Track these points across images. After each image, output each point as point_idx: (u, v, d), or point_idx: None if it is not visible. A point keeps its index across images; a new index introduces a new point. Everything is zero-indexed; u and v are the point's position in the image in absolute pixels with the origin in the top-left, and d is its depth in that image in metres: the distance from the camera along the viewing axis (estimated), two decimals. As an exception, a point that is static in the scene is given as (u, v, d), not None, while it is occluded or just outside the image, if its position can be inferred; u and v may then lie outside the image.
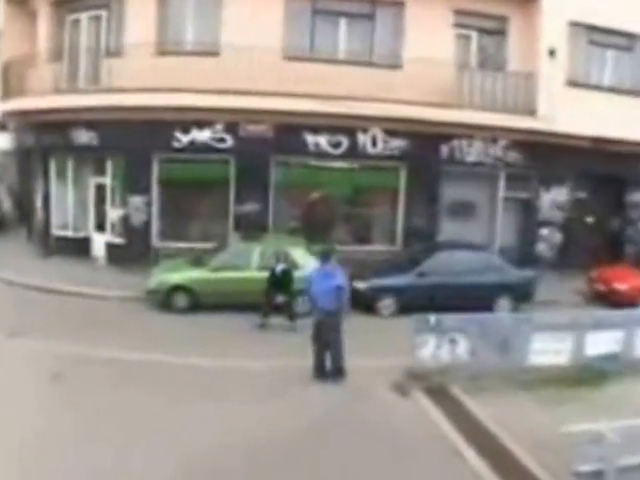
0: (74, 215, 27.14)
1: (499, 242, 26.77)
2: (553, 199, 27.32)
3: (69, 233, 27.05)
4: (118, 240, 25.91)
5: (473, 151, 26.21)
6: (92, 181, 26.65)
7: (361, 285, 20.83)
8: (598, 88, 26.60)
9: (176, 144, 24.67)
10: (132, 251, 25.02)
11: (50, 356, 15.49)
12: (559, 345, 15.43)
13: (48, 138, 26.37)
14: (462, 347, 15.04)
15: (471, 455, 11.61)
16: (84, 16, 25.76)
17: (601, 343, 15.64)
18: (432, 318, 14.89)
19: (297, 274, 19.61)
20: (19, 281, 22.66)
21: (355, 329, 15.86)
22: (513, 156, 26.53)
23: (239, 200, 25.24)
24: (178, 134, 24.58)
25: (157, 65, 23.14)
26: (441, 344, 14.94)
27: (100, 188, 26.48)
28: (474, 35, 26.42)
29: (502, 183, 27.06)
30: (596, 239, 28.01)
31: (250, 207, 25.11)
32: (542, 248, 27.37)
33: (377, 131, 25.31)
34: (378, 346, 16.07)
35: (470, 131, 25.58)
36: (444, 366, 14.96)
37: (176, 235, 25.40)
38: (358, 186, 26.41)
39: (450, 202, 26.77)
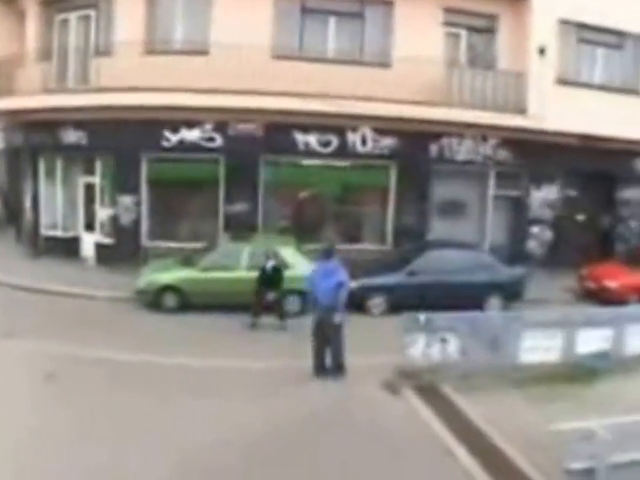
0: (63, 215, 27.06)
1: (489, 240, 26.77)
2: (543, 197, 27.33)
3: (58, 233, 26.94)
4: (107, 240, 25.84)
5: (463, 149, 26.21)
6: (81, 181, 26.54)
7: (351, 284, 20.75)
8: (588, 86, 26.62)
9: (165, 143, 24.60)
10: (121, 251, 24.97)
11: (42, 356, 15.45)
12: (550, 343, 15.45)
13: (37, 138, 26.23)
14: (452, 346, 15.03)
15: (462, 454, 11.57)
16: (73, 16, 25.68)
17: (591, 341, 15.68)
18: (422, 317, 14.86)
19: (287, 273, 19.63)
20: (7, 281, 22.52)
21: (346, 328, 15.80)
22: (503, 154, 26.54)
23: (229, 200, 25.19)
24: (167, 133, 24.51)
25: (146, 64, 23.05)
26: (431, 343, 14.92)
27: (89, 188, 26.38)
28: (464, 33, 26.41)
29: (492, 181, 27.05)
30: (586, 237, 28.05)
31: (240, 206, 25.07)
32: (532, 246, 27.40)
33: (367, 130, 25.28)
34: (368, 345, 16.04)
35: (460, 129, 25.57)
36: (434, 365, 14.95)
37: (165, 235, 25.34)
38: (348, 185, 26.39)
39: (440, 201, 26.76)
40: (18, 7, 28.02)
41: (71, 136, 25.30)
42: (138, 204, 25.17)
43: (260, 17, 24.04)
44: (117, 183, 25.45)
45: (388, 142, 25.45)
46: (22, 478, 10.27)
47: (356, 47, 25.40)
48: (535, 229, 27.40)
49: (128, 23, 24.17)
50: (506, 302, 21.57)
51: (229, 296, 20.09)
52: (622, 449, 8.93)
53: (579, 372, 14.99)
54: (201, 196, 25.71)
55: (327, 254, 15.79)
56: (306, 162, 25.78)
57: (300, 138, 24.96)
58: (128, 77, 22.64)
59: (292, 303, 20.23)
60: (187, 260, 21.55)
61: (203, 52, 23.48)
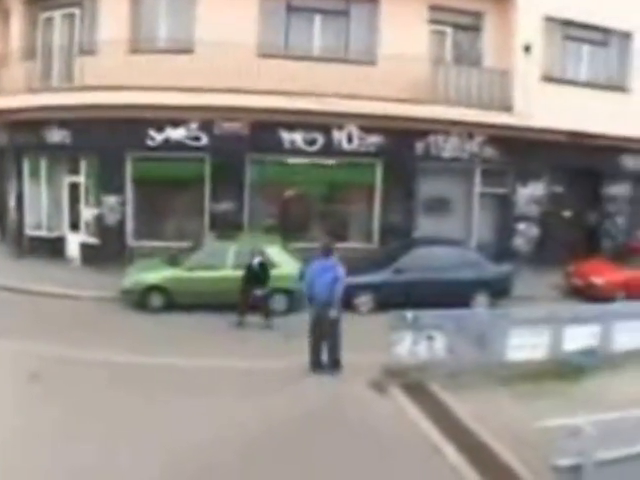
0: (48, 215, 26.91)
1: (476, 238, 26.76)
2: (529, 194, 27.36)
3: (43, 233, 26.78)
4: (92, 240, 25.69)
5: (449, 147, 26.20)
6: (66, 180, 26.39)
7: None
8: (574, 83, 26.69)
9: (150, 142, 24.49)
10: (107, 251, 24.86)
11: (27, 357, 15.30)
12: (537, 340, 15.46)
13: (21, 137, 26.12)
14: (439, 343, 15.02)
15: (450, 451, 11.56)
16: (57, 14, 25.55)
17: (578, 337, 15.68)
18: (409, 315, 14.84)
19: (273, 272, 19.69)
20: (-8, 282, 22.40)
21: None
22: (489, 151, 26.55)
23: (214, 198, 25.12)
24: (152, 132, 24.40)
25: (131, 63, 22.94)
26: (418, 341, 14.91)
27: (74, 187, 26.24)
28: (449, 31, 26.43)
29: (478, 178, 27.07)
30: (573, 233, 28.11)
31: (225, 205, 25.00)
32: (519, 243, 27.43)
33: (352, 128, 25.23)
34: (356, 343, 15.91)
35: (446, 127, 25.57)
36: (421, 363, 14.93)
37: (151, 234, 25.22)
38: (334, 183, 26.37)
39: (426, 198, 26.73)
40: (2, 6, 27.77)
41: (55, 135, 25.16)
42: (123, 204, 25.06)
43: (245, 15, 23.96)
44: (102, 182, 25.31)
45: (374, 140, 25.42)
46: (6, 478, 10.16)
47: (342, 45, 25.37)
48: (521, 226, 27.42)
49: (112, 22, 24.02)
50: (493, 299, 21.57)
51: (215, 295, 20.02)
52: (609, 445, 8.91)
53: (566, 369, 15.00)
54: (186, 195, 25.64)
55: (326, 251, 15.94)
56: (292, 160, 25.76)
57: (286, 136, 24.90)
58: (113, 76, 22.51)
59: (278, 302, 20.26)
60: (173, 259, 21.48)
61: (188, 50, 23.38)
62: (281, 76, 22.62)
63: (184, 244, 23.08)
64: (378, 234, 26.18)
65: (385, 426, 12.70)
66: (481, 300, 21.40)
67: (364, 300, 21.03)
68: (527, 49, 25.18)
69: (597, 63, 27.54)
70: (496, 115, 24.83)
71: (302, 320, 16.53)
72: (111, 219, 25.14)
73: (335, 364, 15.46)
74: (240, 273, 19.46)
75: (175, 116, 24.10)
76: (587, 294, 22.79)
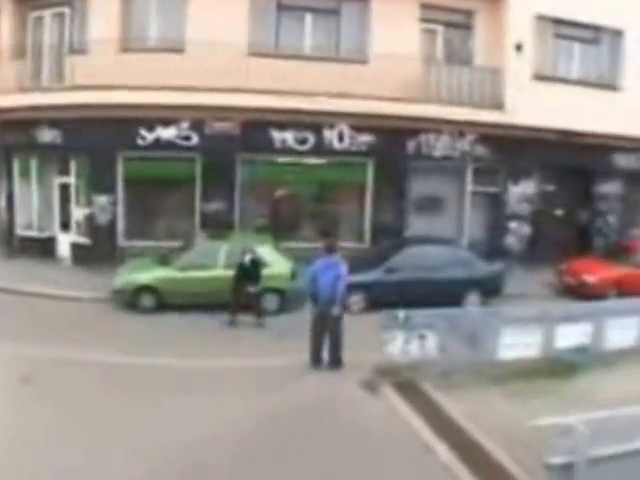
0: (38, 215, 26.83)
1: (468, 236, 26.76)
2: (521, 192, 27.35)
3: (34, 233, 26.69)
4: (83, 240, 25.61)
5: (440, 145, 26.17)
6: (56, 180, 26.32)
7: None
8: (565, 81, 26.64)
9: (141, 142, 24.42)
10: (98, 251, 24.79)
11: (18, 358, 15.22)
12: (529, 338, 15.47)
13: (11, 137, 25.99)
14: (431, 342, 15.02)
15: (442, 450, 11.55)
16: (47, 13, 25.46)
17: (571, 336, 15.71)
18: (401, 314, 14.83)
19: (264, 272, 19.71)
20: (-18, 283, 22.30)
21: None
22: (480, 150, 26.54)
23: (205, 198, 25.07)
24: (143, 132, 24.33)
25: (121, 62, 22.85)
26: (410, 340, 14.90)
27: (64, 187, 26.16)
28: (440, 29, 26.38)
29: (470, 177, 27.05)
30: (565, 231, 28.10)
31: (216, 205, 24.97)
32: (511, 241, 27.42)
33: (344, 127, 25.19)
34: (348, 342, 15.89)
35: (437, 125, 25.56)
36: (413, 362, 14.91)
37: (142, 234, 25.16)
38: (325, 182, 26.35)
39: (418, 197, 26.70)
40: (-9, 5, 27.76)
41: (46, 135, 25.09)
42: (114, 203, 24.97)
43: (236, 14, 23.90)
44: (93, 182, 25.21)
45: (365, 139, 25.39)
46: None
47: (333, 44, 25.32)
48: (513, 224, 27.42)
49: (103, 21, 23.92)
50: (485, 298, 21.58)
51: (206, 295, 20.01)
52: (601, 443, 8.90)
53: (558, 367, 15.01)
54: (177, 195, 25.58)
55: (329, 250, 16.15)
56: (283, 160, 25.69)
57: (277, 136, 24.86)
58: (103, 75, 22.43)
59: (270, 301, 20.25)
60: (164, 259, 21.42)
61: (179, 50, 23.28)
62: (272, 75, 22.58)
63: (175, 244, 23.00)
64: (369, 233, 26.15)
65: (377, 425, 12.69)
66: (473, 299, 21.38)
67: (356, 300, 20.88)
68: (518, 48, 25.18)
69: (588, 61, 27.51)
70: (487, 113, 24.83)
71: (294, 320, 16.57)
72: (102, 219, 25.04)
73: (337, 362, 15.59)
74: (231, 273, 19.45)
75: (166, 115, 24.03)
76: (579, 292, 22.78)
